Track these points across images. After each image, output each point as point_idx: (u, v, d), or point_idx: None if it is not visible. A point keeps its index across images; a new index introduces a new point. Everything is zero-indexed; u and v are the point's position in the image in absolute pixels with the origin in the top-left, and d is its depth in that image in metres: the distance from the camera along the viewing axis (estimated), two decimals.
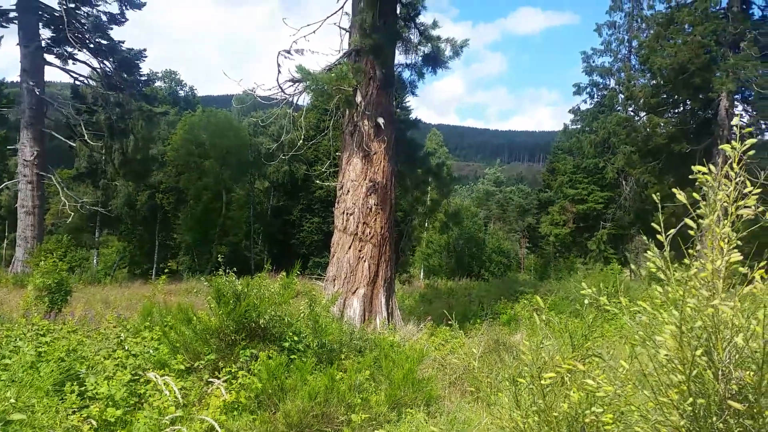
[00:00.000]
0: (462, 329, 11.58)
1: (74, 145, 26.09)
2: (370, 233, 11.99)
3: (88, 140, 24.38)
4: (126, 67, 25.38)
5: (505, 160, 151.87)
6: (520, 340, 8.82)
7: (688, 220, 2.19)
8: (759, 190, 2.23)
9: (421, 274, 41.16)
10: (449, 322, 9.20)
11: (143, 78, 27.21)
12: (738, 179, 2.21)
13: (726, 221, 2.15)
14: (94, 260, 37.13)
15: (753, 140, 2.27)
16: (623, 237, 37.82)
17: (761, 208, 2.27)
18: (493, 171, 61.54)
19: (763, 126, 25.60)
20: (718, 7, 24.61)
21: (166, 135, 41.39)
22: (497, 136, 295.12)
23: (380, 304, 11.80)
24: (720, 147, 2.38)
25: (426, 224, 42.56)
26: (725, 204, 2.21)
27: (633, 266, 33.41)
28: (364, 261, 11.90)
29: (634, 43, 38.40)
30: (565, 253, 42.90)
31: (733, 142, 2.26)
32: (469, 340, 9.32)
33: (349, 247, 11.98)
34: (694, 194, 2.27)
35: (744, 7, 24.83)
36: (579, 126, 42.87)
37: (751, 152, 2.29)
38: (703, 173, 2.21)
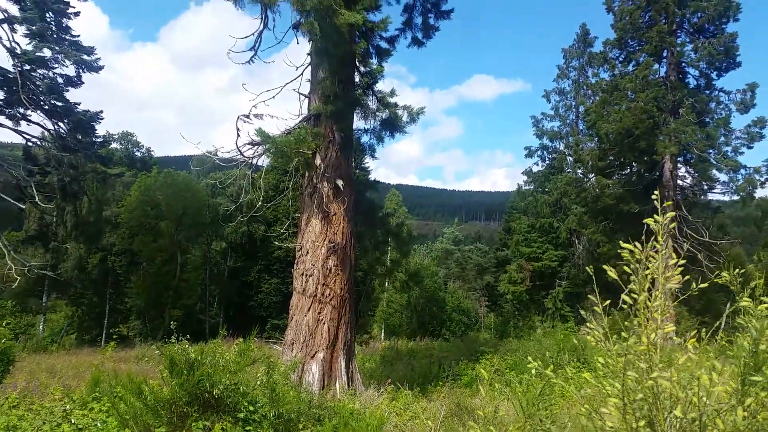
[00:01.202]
0: (424, 392, 11.44)
1: (24, 207, 25.32)
2: (329, 295, 11.89)
3: (39, 202, 23.70)
4: (81, 129, 25.08)
5: (463, 219, 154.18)
6: (482, 403, 8.77)
7: (624, 296, 2.30)
8: (683, 261, 2.37)
9: (382, 334, 40.69)
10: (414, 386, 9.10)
11: (99, 139, 26.87)
12: (663, 251, 2.35)
13: (657, 293, 2.27)
14: (41, 326, 35.47)
15: (672, 213, 2.43)
16: (579, 295, 38.60)
17: (687, 277, 2.40)
18: (452, 230, 62.44)
19: (705, 187, 26.97)
20: (657, 76, 26.30)
21: (121, 196, 40.69)
22: (455, 196, 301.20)
23: (340, 369, 11.57)
24: (644, 221, 2.53)
25: (386, 284, 42.46)
26: (655, 276, 2.33)
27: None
28: (324, 323, 11.73)
29: (581, 109, 40.44)
30: (523, 311, 43.33)
31: (655, 216, 2.42)
32: (431, 404, 9.20)
33: (308, 310, 11.82)
34: (624, 270, 2.39)
35: (680, 76, 26.62)
36: (532, 187, 44.35)
37: (673, 224, 2.45)
38: (630, 251, 2.34)
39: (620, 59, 28.01)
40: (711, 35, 25.77)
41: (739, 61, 25.47)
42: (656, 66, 26.39)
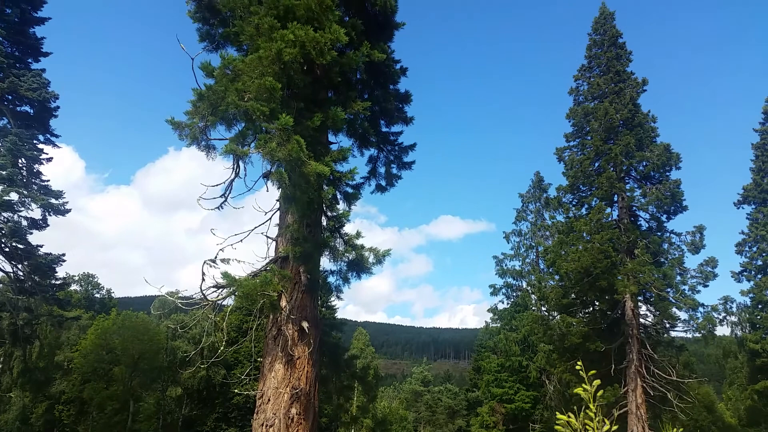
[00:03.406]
0: None
1: None
2: None
3: None
4: (40, 272, 24.47)
5: (432, 358, 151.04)
6: None
7: None
8: (608, 427, 2.42)
9: None
10: None
11: (58, 282, 26.13)
12: (597, 418, 2.40)
13: None
14: None
15: (598, 381, 2.52)
16: None
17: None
18: (421, 370, 60.93)
19: (667, 325, 27.32)
20: (610, 218, 27.65)
21: (76, 340, 38.93)
22: (423, 333, 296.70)
23: None
24: (573, 391, 2.61)
25: None
26: None
27: None
28: None
29: (540, 248, 41.83)
30: None
31: (584, 385, 2.50)
32: None
33: None
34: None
35: (632, 219, 28.06)
36: (499, 324, 44.40)
37: (600, 392, 2.53)
38: (564, 422, 2.39)
39: (573, 203, 29.50)
40: (657, 182, 27.57)
41: (685, 205, 27.04)
42: (608, 210, 27.79)
